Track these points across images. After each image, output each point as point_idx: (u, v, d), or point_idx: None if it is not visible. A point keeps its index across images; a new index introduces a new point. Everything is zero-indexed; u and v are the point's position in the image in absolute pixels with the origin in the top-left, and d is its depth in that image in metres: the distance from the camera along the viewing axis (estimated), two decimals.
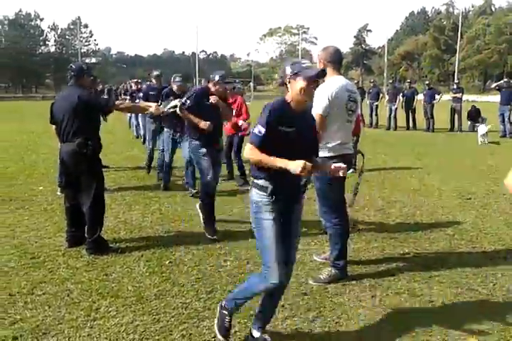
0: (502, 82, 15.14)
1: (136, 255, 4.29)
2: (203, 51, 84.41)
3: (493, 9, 66.05)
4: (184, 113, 4.97)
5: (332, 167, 2.68)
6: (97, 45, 71.71)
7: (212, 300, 3.41)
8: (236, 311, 2.94)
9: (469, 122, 16.15)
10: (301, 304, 3.37)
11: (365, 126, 15.65)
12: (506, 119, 14.33)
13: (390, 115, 16.43)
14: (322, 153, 3.63)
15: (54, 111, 4.47)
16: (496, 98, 16.57)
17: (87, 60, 58.60)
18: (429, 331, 3.04)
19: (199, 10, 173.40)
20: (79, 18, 65.80)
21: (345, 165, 2.69)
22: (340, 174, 2.69)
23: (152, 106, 4.75)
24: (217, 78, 4.93)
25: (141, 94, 7.91)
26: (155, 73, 8.07)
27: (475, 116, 16.15)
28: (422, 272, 3.94)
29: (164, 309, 3.28)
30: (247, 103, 7.89)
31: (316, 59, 3.56)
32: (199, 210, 5.04)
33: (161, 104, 6.18)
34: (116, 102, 4.45)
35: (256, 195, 2.72)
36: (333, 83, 3.65)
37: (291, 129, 2.61)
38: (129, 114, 14.61)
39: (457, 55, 52.38)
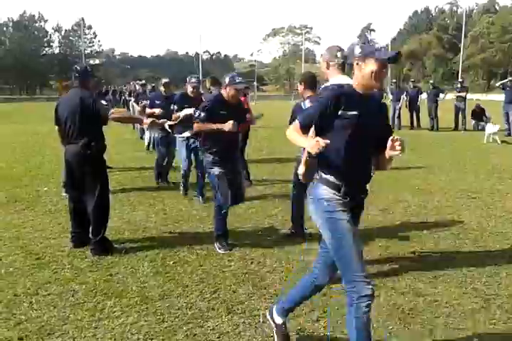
0: (506, 80, 15.10)
1: (140, 255, 4.30)
2: (206, 51, 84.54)
3: (497, 8, 65.83)
4: (199, 125, 4.55)
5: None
6: (100, 46, 72.01)
7: (217, 301, 3.41)
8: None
9: (473, 121, 16.10)
10: (305, 304, 3.35)
11: None
12: (511, 118, 14.26)
13: (393, 114, 16.38)
14: None
15: (58, 112, 4.48)
16: (501, 97, 16.50)
17: (91, 61, 58.84)
18: (434, 331, 3.03)
19: (202, 11, 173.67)
20: (83, 19, 66.03)
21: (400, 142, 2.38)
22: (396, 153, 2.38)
23: (148, 119, 4.57)
24: (227, 80, 4.50)
25: (147, 102, 7.61)
26: (164, 81, 7.59)
27: (479, 114, 16.11)
28: (427, 271, 3.92)
29: (168, 309, 3.28)
30: (251, 103, 7.91)
31: (319, 59, 3.55)
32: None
33: (175, 110, 6.08)
34: (113, 111, 4.32)
35: (324, 191, 2.48)
36: (338, 83, 3.63)
37: (353, 113, 2.40)
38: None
39: (461, 53, 52.19)
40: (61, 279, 3.79)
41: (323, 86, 3.75)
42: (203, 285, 3.67)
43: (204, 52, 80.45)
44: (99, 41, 73.12)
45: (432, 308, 3.32)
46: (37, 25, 67.68)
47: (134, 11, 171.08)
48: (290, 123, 4.88)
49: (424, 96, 16.61)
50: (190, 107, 5.69)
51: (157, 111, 7.00)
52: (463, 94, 15.58)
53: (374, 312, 3.23)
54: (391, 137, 2.38)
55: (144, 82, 14.19)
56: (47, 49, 69.36)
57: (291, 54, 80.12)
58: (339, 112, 2.38)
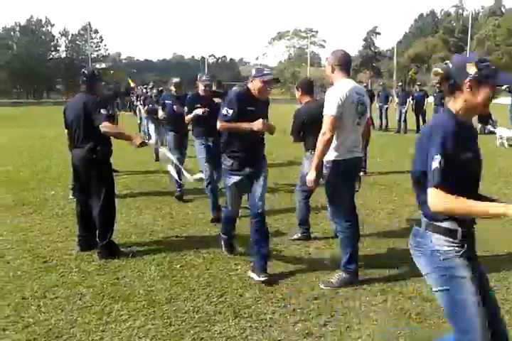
0: None
1: (147, 259, 4.31)
2: (212, 55, 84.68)
3: (504, 10, 65.63)
4: (223, 125, 3.98)
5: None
6: (107, 50, 72.19)
7: (224, 304, 3.41)
8: None
9: (480, 124, 16.04)
10: (313, 308, 3.36)
11: (374, 129, 15.64)
12: None
13: (399, 118, 16.34)
14: (331, 156, 3.65)
15: (66, 116, 4.52)
16: (507, 100, 16.43)
17: (97, 65, 59.14)
18: (442, 336, 3.01)
19: (208, 15, 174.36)
20: (89, 23, 66.26)
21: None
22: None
23: (137, 138, 4.39)
24: (253, 72, 3.95)
25: (151, 105, 7.70)
26: (174, 80, 7.09)
27: (485, 118, 16.04)
28: None
29: (175, 313, 3.29)
30: None
31: (324, 62, 3.57)
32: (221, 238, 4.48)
33: (189, 111, 5.71)
34: (103, 124, 4.17)
35: (439, 241, 2.01)
36: (343, 86, 3.65)
37: (470, 154, 2.02)
38: (138, 121, 14.68)
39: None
40: (68, 282, 3.80)
41: (328, 90, 3.76)
42: (209, 289, 3.67)
43: (210, 56, 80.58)
44: (105, 45, 73.16)
45: (439, 313, 3.29)
46: (44, 29, 68.10)
47: (141, 15, 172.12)
48: (293, 129, 4.89)
49: (430, 99, 16.56)
50: (202, 107, 5.58)
51: (160, 113, 7.09)
52: None
53: (381, 316, 3.23)
54: None
55: (151, 85, 14.25)
56: (54, 53, 69.74)
57: (297, 57, 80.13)
58: (461, 156, 1.95)
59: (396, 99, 16.79)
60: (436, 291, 2.05)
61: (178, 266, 4.15)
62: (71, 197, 6.42)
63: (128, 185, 7.63)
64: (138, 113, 14.46)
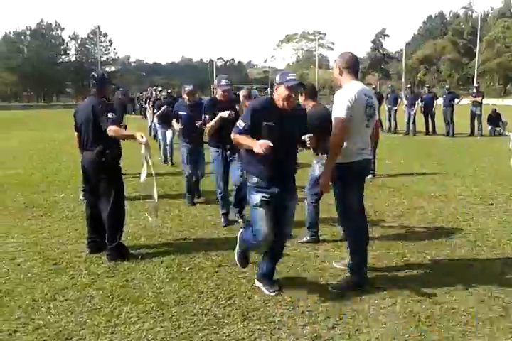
0: None
1: (156, 261, 4.33)
2: (220, 58, 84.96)
3: None
4: (236, 137, 3.52)
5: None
6: (116, 53, 72.64)
7: (232, 307, 3.41)
8: None
9: (489, 126, 15.94)
10: (321, 311, 3.35)
11: (383, 131, 15.59)
12: None
13: (408, 120, 16.28)
14: (341, 159, 3.64)
15: (76, 120, 4.56)
16: None
17: (107, 69, 59.55)
18: (451, 339, 2.99)
19: (216, 18, 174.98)
20: (98, 27, 66.79)
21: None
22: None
23: (144, 139, 4.16)
24: (277, 79, 3.44)
25: (165, 107, 7.13)
26: (187, 88, 6.55)
27: (495, 120, 15.94)
28: (444, 279, 3.88)
29: (184, 315, 3.29)
30: None
31: (332, 65, 3.55)
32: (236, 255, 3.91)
33: (205, 120, 5.36)
34: (110, 128, 4.15)
35: None
36: (351, 88, 3.65)
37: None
38: (149, 123, 14.76)
39: (476, 58, 51.79)
40: (78, 285, 3.83)
41: (337, 92, 3.76)
42: (218, 292, 3.68)
43: (218, 58, 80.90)
44: (114, 49, 73.87)
45: (448, 316, 3.28)
46: (54, 33, 68.71)
47: (149, 18, 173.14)
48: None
49: (440, 101, 16.48)
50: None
51: (176, 127, 6.52)
52: (479, 99, 15.43)
53: (390, 319, 3.22)
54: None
55: (160, 88, 14.34)
56: (63, 57, 70.37)
57: (305, 60, 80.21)
58: None
59: (405, 101, 16.73)
60: None
61: (187, 269, 4.16)
62: (81, 198, 6.46)
63: (137, 187, 7.65)
64: (149, 116, 14.56)
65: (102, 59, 63.39)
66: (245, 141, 3.43)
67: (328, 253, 4.55)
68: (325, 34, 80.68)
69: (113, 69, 64.97)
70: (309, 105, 4.62)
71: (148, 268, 4.16)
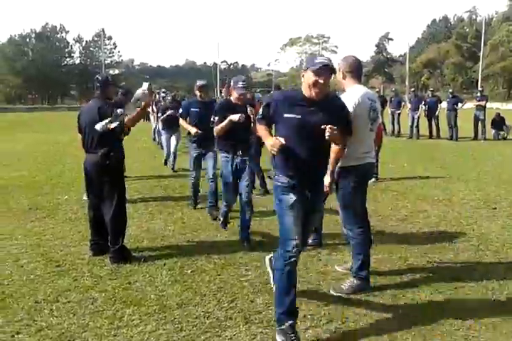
0: None
1: (158, 264, 4.33)
2: (224, 61, 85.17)
3: None
4: (257, 127, 3.29)
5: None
6: (120, 56, 72.96)
7: (234, 310, 3.41)
8: None
9: (493, 130, 15.90)
10: (323, 315, 3.34)
11: (386, 135, 15.58)
12: None
13: (412, 124, 16.26)
14: (343, 162, 3.64)
15: (80, 122, 4.58)
16: None
17: (111, 71, 59.78)
18: None
19: (220, 21, 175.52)
20: (103, 30, 67.01)
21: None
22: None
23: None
24: (304, 65, 3.08)
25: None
26: (199, 83, 6.11)
27: (499, 124, 15.91)
28: (447, 283, 3.87)
29: (186, 318, 3.30)
30: None
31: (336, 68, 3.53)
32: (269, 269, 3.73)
33: (216, 122, 4.92)
34: (126, 119, 4.24)
35: None
36: (355, 92, 3.66)
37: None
38: (153, 125, 14.77)
39: (481, 62, 51.71)
40: (81, 287, 3.83)
41: (341, 96, 3.77)
42: (220, 295, 3.68)
43: (222, 62, 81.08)
44: (119, 52, 74.30)
45: (452, 320, 3.27)
46: (58, 36, 69.08)
47: (153, 21, 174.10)
48: None
49: (444, 105, 16.46)
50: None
51: (193, 130, 5.90)
52: (482, 103, 15.40)
53: (392, 323, 3.21)
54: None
55: (164, 91, 14.35)
56: (68, 59, 70.72)
57: None
58: None
59: (408, 105, 16.73)
60: None
61: (189, 271, 4.16)
62: (85, 198, 6.45)
63: (139, 189, 7.68)
64: (152, 119, 14.57)
65: (106, 62, 63.63)
66: (261, 133, 3.18)
67: (330, 256, 4.54)
68: (329, 37, 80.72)
69: (117, 72, 65.11)
70: None
71: (151, 271, 4.16)
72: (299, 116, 2.99)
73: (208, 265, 4.32)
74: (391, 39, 76.17)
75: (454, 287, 3.80)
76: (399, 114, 16.95)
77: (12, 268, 4.25)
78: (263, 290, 3.76)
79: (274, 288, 3.25)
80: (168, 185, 8.14)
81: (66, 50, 69.88)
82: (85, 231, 5.10)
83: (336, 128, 2.93)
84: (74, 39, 70.67)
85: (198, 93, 6.08)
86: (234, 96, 4.94)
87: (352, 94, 3.64)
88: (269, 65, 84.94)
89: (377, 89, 20.56)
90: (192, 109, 6.04)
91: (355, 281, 3.74)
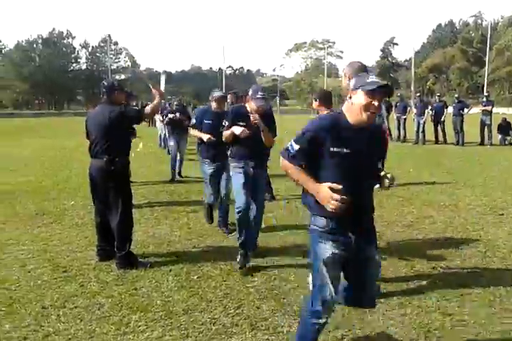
0: None
1: (164, 270, 4.34)
2: (229, 67, 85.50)
3: None
4: (286, 167, 2.56)
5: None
6: (126, 61, 73.48)
7: (240, 316, 3.41)
8: None
9: (500, 135, 15.85)
10: (330, 322, 3.33)
11: (392, 140, 15.55)
12: None
13: (418, 129, 16.23)
14: None
15: (87, 127, 4.61)
16: None
17: (117, 77, 60.13)
18: None
19: (226, 26, 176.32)
20: (109, 35, 67.61)
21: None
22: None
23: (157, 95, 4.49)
24: (352, 83, 2.55)
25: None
26: (216, 94, 5.73)
27: (505, 129, 15.85)
28: (454, 290, 3.85)
29: (192, 324, 3.30)
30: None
31: (341, 73, 3.52)
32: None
33: (223, 126, 4.59)
34: (146, 109, 4.50)
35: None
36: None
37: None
38: (159, 131, 14.82)
39: (486, 67, 51.63)
40: (87, 292, 3.85)
41: (346, 101, 3.77)
42: (226, 301, 3.68)
43: (227, 67, 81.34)
44: (125, 57, 74.60)
45: (459, 328, 3.25)
46: (65, 41, 69.73)
47: (160, 27, 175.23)
48: None
49: (450, 110, 16.43)
50: (246, 126, 4.40)
51: (205, 137, 5.47)
52: (489, 108, 15.36)
53: (399, 330, 3.19)
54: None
55: (169, 97, 14.40)
56: (74, 65, 71.35)
57: (314, 68, 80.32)
58: None
59: (414, 110, 16.70)
60: None
61: (196, 277, 4.16)
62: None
63: (146, 195, 7.70)
64: (158, 125, 14.64)
65: (112, 67, 64.02)
66: (299, 176, 2.48)
67: None
68: (334, 42, 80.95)
69: (123, 77, 65.55)
70: (322, 112, 4.64)
71: (157, 277, 4.17)
72: (349, 150, 2.41)
73: (214, 271, 4.32)
74: (396, 44, 76.41)
75: (461, 294, 3.78)
76: (404, 119, 16.93)
77: (19, 273, 4.27)
78: (269, 296, 3.76)
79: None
80: (174, 190, 8.16)
81: (73, 55, 70.50)
82: (92, 237, 5.12)
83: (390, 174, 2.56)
84: (80, 45, 71.37)
85: (214, 104, 5.71)
86: (251, 108, 4.48)
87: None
88: (274, 70, 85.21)
89: None
90: (205, 121, 5.62)
91: None
